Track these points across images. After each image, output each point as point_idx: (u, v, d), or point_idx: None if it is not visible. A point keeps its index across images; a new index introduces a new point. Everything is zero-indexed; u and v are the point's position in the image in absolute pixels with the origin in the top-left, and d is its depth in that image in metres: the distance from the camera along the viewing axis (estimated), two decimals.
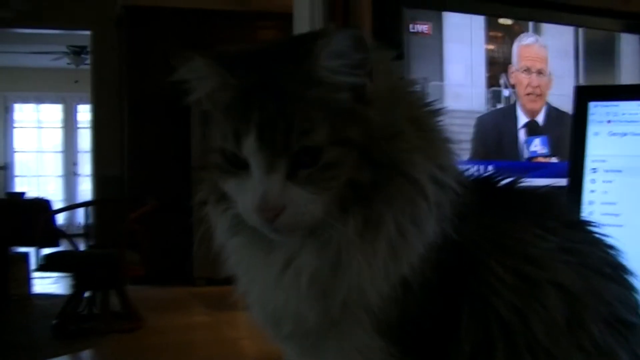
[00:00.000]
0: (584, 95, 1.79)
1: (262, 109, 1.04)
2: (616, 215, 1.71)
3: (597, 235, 1.23)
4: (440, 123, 1.18)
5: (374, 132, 1.07)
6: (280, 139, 1.03)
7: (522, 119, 2.90)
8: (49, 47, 12.49)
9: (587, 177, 1.76)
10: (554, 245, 1.13)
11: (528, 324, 1.08)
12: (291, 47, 1.13)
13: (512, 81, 2.87)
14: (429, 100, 1.21)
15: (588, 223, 1.25)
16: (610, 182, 1.73)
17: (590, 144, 1.77)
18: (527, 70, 2.91)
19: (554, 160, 2.94)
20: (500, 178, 1.25)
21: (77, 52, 12.50)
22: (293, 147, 1.04)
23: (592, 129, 1.77)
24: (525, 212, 1.19)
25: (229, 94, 1.10)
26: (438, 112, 1.19)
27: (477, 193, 1.15)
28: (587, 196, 1.75)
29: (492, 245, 1.12)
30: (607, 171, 1.74)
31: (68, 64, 13.13)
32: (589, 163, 1.76)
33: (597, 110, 1.77)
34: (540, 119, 2.92)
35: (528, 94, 2.90)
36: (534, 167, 2.88)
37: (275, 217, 1.04)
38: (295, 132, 1.03)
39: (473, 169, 1.25)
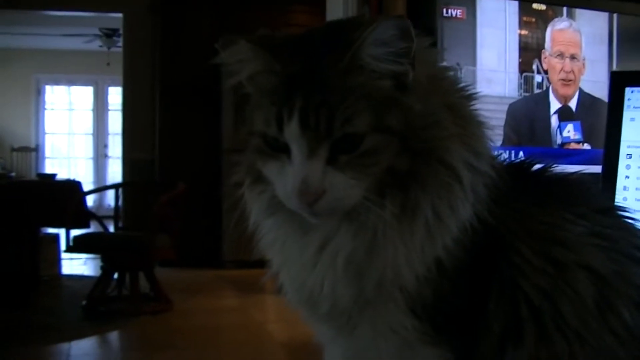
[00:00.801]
0: (620, 80, 1.78)
1: (305, 94, 1.05)
2: None
3: (627, 221, 1.25)
4: (475, 108, 1.20)
5: (413, 120, 1.08)
6: (323, 125, 1.05)
7: (555, 104, 2.88)
8: (81, 30, 12.55)
9: (622, 163, 1.75)
10: (583, 229, 1.15)
11: (557, 305, 1.10)
12: (335, 34, 1.14)
13: (545, 66, 2.85)
14: (464, 85, 1.23)
15: (619, 209, 1.27)
16: None
17: (626, 130, 1.75)
18: (561, 55, 2.88)
19: (586, 147, 2.91)
20: (532, 164, 1.27)
21: (109, 34, 12.56)
22: (335, 134, 1.05)
23: (628, 115, 1.75)
24: (556, 197, 1.21)
25: (272, 78, 1.11)
26: (472, 97, 1.21)
27: (509, 178, 1.17)
28: (621, 182, 1.74)
29: (521, 229, 1.14)
30: None
31: (100, 46, 13.19)
32: (624, 149, 1.75)
33: (633, 95, 1.75)
34: (573, 105, 2.90)
35: (561, 80, 2.88)
36: (567, 154, 2.86)
37: (315, 202, 1.06)
38: (338, 119, 1.05)
39: (505, 155, 1.26)
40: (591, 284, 1.11)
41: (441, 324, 1.12)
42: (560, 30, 2.89)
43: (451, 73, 1.24)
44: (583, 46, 2.92)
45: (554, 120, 2.88)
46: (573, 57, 2.89)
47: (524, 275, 1.11)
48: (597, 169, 2.71)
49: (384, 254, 1.09)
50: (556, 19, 2.88)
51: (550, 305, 1.10)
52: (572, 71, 2.89)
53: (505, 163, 1.24)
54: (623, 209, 1.26)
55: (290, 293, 1.23)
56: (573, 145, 2.89)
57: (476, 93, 1.22)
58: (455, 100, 1.17)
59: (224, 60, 1.16)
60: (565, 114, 2.88)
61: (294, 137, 1.06)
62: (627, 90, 1.75)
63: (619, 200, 1.65)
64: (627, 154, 1.74)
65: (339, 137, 1.05)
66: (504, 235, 1.13)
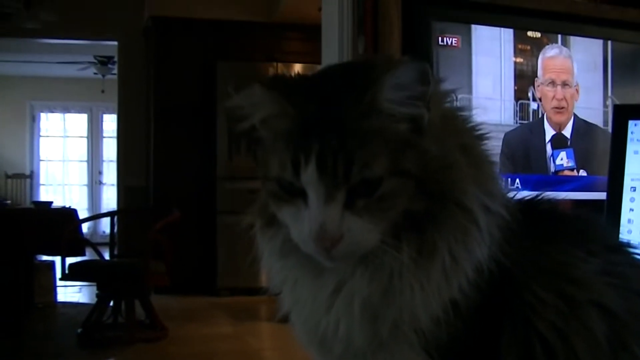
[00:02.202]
0: (624, 113, 1.78)
1: (322, 139, 1.05)
2: None
3: (638, 258, 1.24)
4: (486, 148, 1.20)
5: (429, 162, 1.08)
6: (340, 170, 1.04)
7: (550, 132, 2.88)
8: (75, 57, 12.56)
9: (627, 195, 1.74)
10: (595, 267, 1.14)
11: (570, 344, 1.09)
12: (350, 76, 1.13)
13: (537, 94, 2.86)
14: (475, 125, 1.22)
15: (629, 245, 1.26)
16: None
17: (630, 163, 1.75)
18: (552, 82, 2.88)
19: (582, 173, 2.91)
20: (542, 201, 1.27)
21: (103, 62, 12.57)
22: (353, 179, 1.04)
23: (631, 148, 1.75)
24: (566, 235, 1.20)
25: (287, 122, 1.10)
26: (483, 137, 1.21)
27: (519, 216, 1.16)
28: (625, 215, 1.74)
29: (534, 267, 1.13)
30: None
31: (95, 73, 13.19)
32: (628, 182, 1.74)
33: (637, 128, 1.75)
34: (567, 132, 2.90)
35: (554, 107, 2.88)
36: (561, 181, 2.86)
37: (333, 247, 1.05)
38: (356, 164, 1.04)
39: (514, 192, 1.26)
40: (603, 321, 1.10)
41: None
42: (551, 58, 2.89)
43: (463, 113, 1.23)
44: (576, 73, 2.92)
45: (549, 148, 2.88)
46: (565, 84, 2.89)
47: (538, 314, 1.10)
48: (592, 195, 2.71)
49: (401, 297, 1.08)
50: (547, 47, 2.89)
51: (563, 344, 1.09)
52: (565, 98, 2.89)
53: (514, 200, 1.23)
54: (633, 245, 1.26)
55: (302, 334, 1.21)
56: (567, 173, 2.89)
57: (487, 133, 1.22)
58: (468, 141, 1.17)
59: (237, 103, 1.15)
60: (558, 142, 2.88)
61: (312, 182, 1.05)
62: (631, 123, 1.75)
63: (623, 233, 1.64)
64: (632, 187, 1.74)
65: (356, 181, 1.04)
66: (517, 275, 1.12)
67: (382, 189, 1.05)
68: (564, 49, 2.90)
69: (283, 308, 1.23)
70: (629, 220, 1.73)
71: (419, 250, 1.08)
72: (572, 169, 2.88)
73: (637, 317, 1.13)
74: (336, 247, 1.05)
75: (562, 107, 2.87)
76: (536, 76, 2.86)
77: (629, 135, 1.76)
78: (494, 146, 2.76)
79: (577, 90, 2.91)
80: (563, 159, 2.87)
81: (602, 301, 1.11)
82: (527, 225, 1.16)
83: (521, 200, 1.26)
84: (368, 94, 1.06)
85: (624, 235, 1.36)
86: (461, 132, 1.18)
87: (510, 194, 1.23)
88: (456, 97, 2.62)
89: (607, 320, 1.10)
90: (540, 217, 1.24)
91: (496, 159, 1.21)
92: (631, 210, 1.74)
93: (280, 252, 1.18)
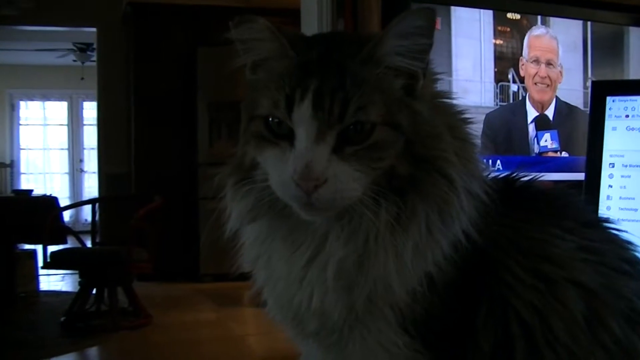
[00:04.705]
0: (602, 90, 1.78)
1: (321, 79, 1.06)
2: (634, 210, 1.70)
3: (614, 233, 1.25)
4: (469, 131, 1.22)
5: (421, 126, 1.10)
6: (336, 109, 1.05)
7: (532, 113, 2.88)
8: (54, 45, 12.46)
9: (605, 172, 1.75)
10: (572, 244, 1.15)
11: (547, 322, 1.10)
12: (353, 35, 1.21)
13: (522, 73, 2.85)
14: (461, 109, 1.24)
15: (605, 221, 1.28)
16: (628, 177, 1.73)
17: (608, 139, 1.76)
18: (536, 60, 2.88)
19: (564, 154, 2.92)
20: (517, 178, 1.28)
21: (83, 49, 12.49)
22: (347, 120, 1.05)
23: (609, 124, 1.76)
24: (542, 212, 1.21)
25: (286, 63, 1.11)
26: (468, 121, 1.23)
27: (496, 194, 1.16)
28: (604, 191, 1.74)
29: (511, 245, 1.14)
30: (625, 166, 1.73)
31: (74, 61, 13.11)
32: (606, 158, 1.75)
33: (615, 105, 1.75)
34: (550, 113, 2.90)
35: (536, 84, 2.88)
36: (543, 161, 2.86)
37: (315, 189, 1.04)
38: (352, 105, 1.05)
39: (490, 169, 1.27)
40: (580, 298, 1.11)
41: (432, 341, 1.11)
42: (537, 37, 2.89)
43: (450, 97, 1.25)
44: (560, 54, 2.93)
45: (531, 129, 2.88)
46: (549, 63, 2.90)
47: (515, 292, 1.10)
48: (573, 175, 2.72)
49: (375, 264, 1.08)
50: (534, 27, 2.89)
51: (540, 322, 1.09)
52: (548, 77, 2.89)
53: (491, 178, 1.23)
54: (609, 220, 1.27)
55: (275, 310, 1.21)
56: (550, 154, 2.89)
57: (471, 118, 1.24)
58: (454, 122, 1.19)
59: (237, 36, 1.17)
60: (542, 123, 2.88)
61: (304, 119, 1.05)
62: (609, 99, 1.76)
63: (602, 209, 1.65)
64: (610, 163, 1.74)
65: (349, 123, 1.05)
66: (494, 254, 1.12)
67: (374, 137, 1.06)
68: (550, 30, 2.90)
69: (256, 284, 1.23)
70: (608, 197, 1.74)
71: (398, 214, 1.08)
72: (555, 151, 2.88)
73: (613, 292, 1.13)
74: (318, 190, 1.04)
75: (546, 85, 2.87)
76: (517, 57, 2.86)
77: (607, 112, 1.76)
78: (476, 128, 2.77)
79: (560, 73, 2.91)
80: (547, 140, 2.87)
81: (578, 278, 1.12)
82: (504, 203, 1.17)
83: (497, 178, 1.26)
84: (370, 43, 1.09)
85: (602, 212, 1.36)
86: (448, 113, 1.20)
87: (488, 174, 1.23)
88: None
89: (584, 298, 1.11)
90: (516, 195, 1.25)
91: (478, 141, 1.21)
92: (610, 186, 1.75)
93: (251, 213, 1.17)
